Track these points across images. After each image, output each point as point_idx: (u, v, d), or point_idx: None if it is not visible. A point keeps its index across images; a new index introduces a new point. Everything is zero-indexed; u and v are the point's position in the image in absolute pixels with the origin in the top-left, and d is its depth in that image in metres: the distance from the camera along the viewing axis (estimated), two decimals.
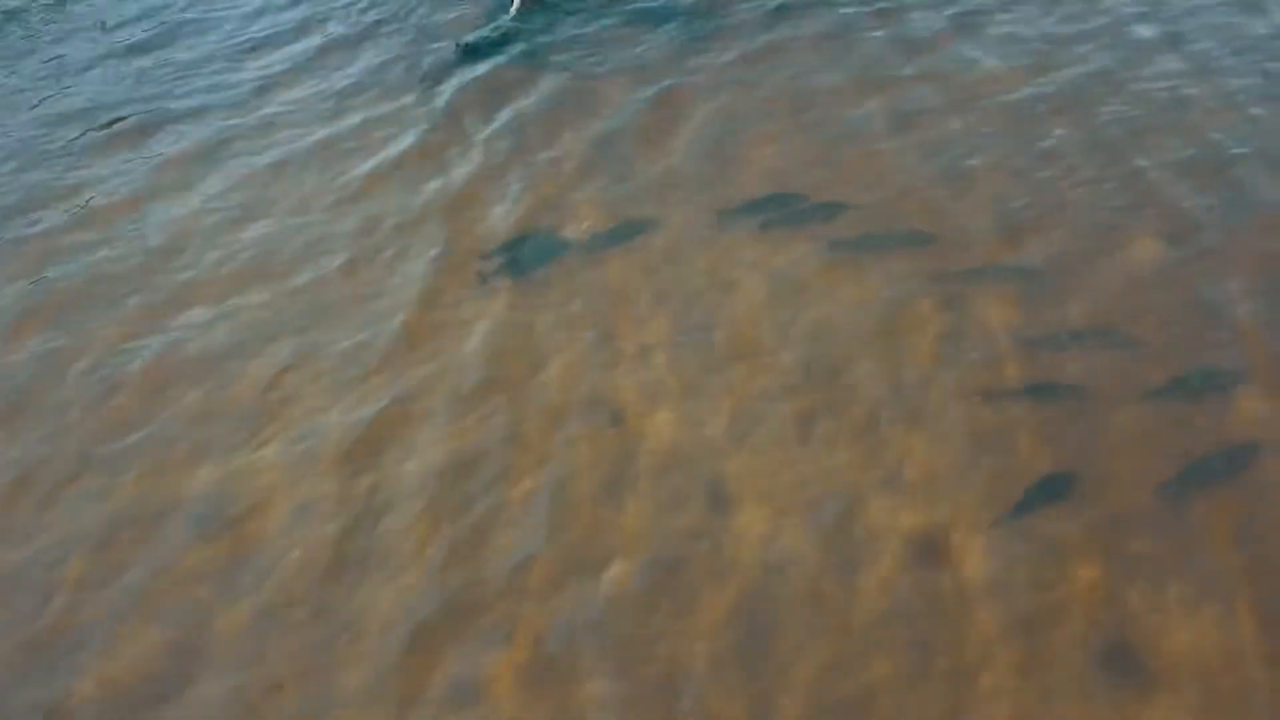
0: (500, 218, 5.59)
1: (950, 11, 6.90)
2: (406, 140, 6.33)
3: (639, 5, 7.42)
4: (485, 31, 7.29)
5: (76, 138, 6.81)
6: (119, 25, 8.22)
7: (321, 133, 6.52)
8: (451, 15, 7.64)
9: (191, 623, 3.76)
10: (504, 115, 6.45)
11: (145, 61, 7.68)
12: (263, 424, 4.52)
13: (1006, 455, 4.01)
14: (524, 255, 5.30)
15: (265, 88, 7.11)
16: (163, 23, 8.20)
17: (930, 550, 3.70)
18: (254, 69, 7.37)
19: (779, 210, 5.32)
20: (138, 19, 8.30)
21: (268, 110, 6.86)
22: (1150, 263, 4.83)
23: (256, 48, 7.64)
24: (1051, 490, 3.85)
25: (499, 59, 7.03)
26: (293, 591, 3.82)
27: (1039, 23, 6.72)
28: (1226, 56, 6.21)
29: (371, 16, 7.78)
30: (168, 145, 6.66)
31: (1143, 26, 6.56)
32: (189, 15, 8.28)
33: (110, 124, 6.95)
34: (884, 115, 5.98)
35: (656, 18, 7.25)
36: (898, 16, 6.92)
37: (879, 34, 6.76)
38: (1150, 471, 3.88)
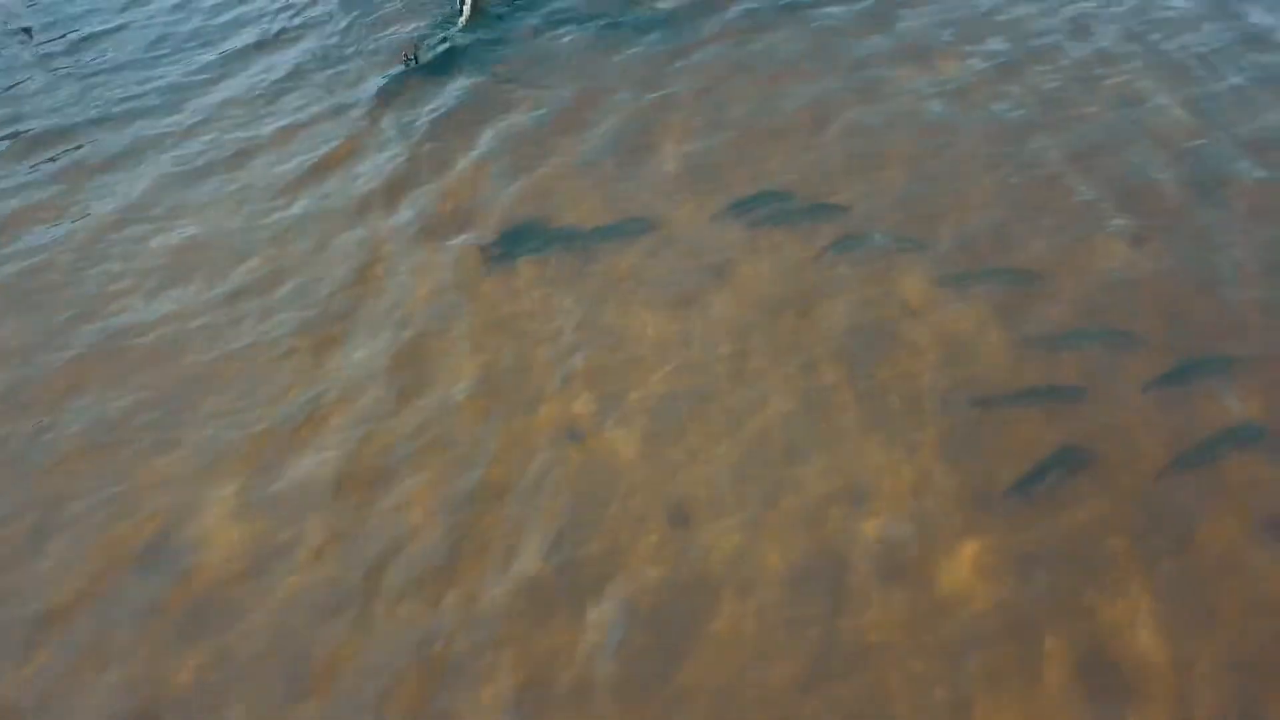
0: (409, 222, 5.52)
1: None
2: (355, 159, 6.19)
3: (586, 13, 7.39)
4: (433, 43, 7.13)
5: None
6: (44, 31, 7.94)
7: (259, 152, 6.34)
8: (400, 28, 7.47)
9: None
10: (444, 127, 6.35)
11: (72, 68, 7.44)
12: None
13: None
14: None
15: (208, 110, 6.88)
16: (93, 29, 7.95)
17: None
18: (183, 79, 7.19)
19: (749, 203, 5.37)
20: (64, 25, 8.02)
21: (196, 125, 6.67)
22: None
23: (189, 59, 7.46)
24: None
25: (446, 71, 6.90)
26: None
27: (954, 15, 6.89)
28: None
29: (318, 29, 7.62)
30: (87, 151, 6.45)
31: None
32: (119, 21, 8.04)
33: (26, 132, 6.72)
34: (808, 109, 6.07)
35: (608, 27, 7.22)
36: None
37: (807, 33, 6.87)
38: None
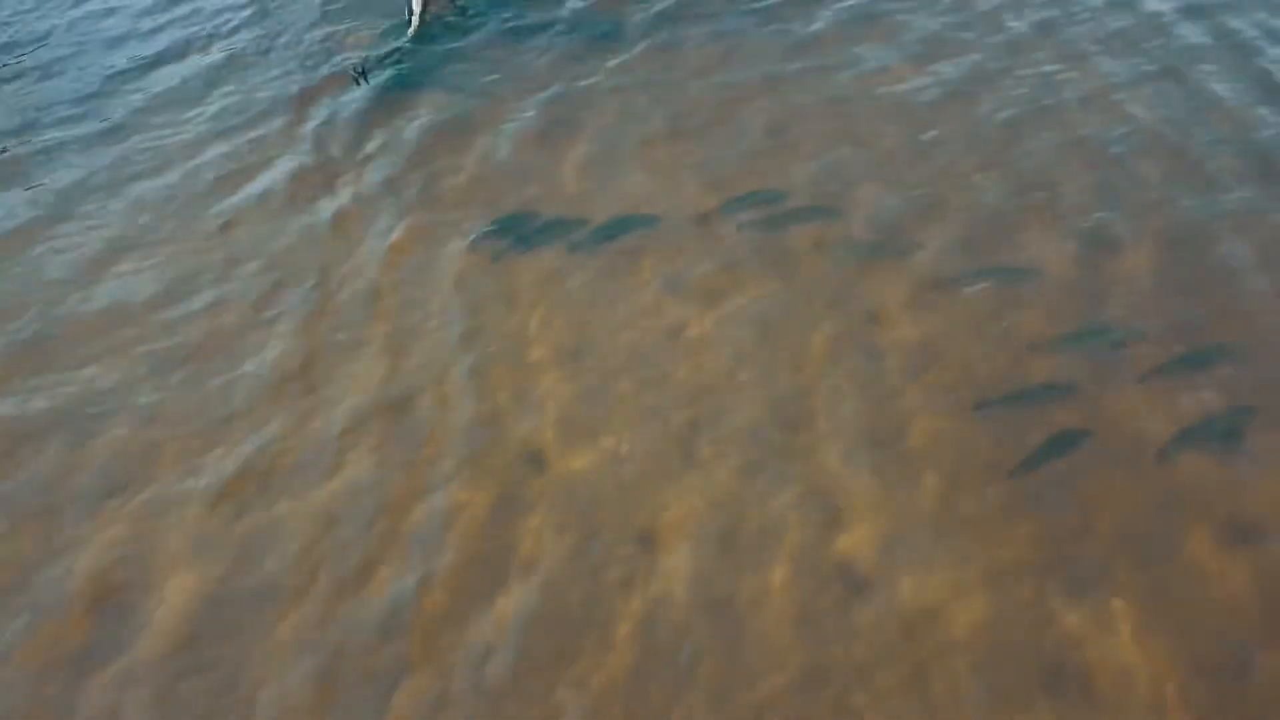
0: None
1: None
2: (302, 173, 6.01)
3: (540, 21, 7.24)
4: (382, 54, 7.04)
5: None
6: None
7: (208, 164, 6.16)
8: (349, 39, 7.37)
9: None
10: (396, 140, 6.18)
11: (17, 92, 7.24)
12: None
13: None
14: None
15: (138, 118, 6.72)
16: (38, 52, 7.75)
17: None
18: (133, 99, 6.97)
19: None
20: (8, 49, 7.86)
21: (141, 140, 6.48)
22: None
23: (138, 78, 7.24)
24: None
25: (396, 82, 6.74)
26: None
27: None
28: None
29: (264, 44, 7.43)
30: (39, 177, 6.25)
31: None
32: (68, 42, 7.82)
33: None
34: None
35: (557, 34, 7.07)
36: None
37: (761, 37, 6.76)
38: None
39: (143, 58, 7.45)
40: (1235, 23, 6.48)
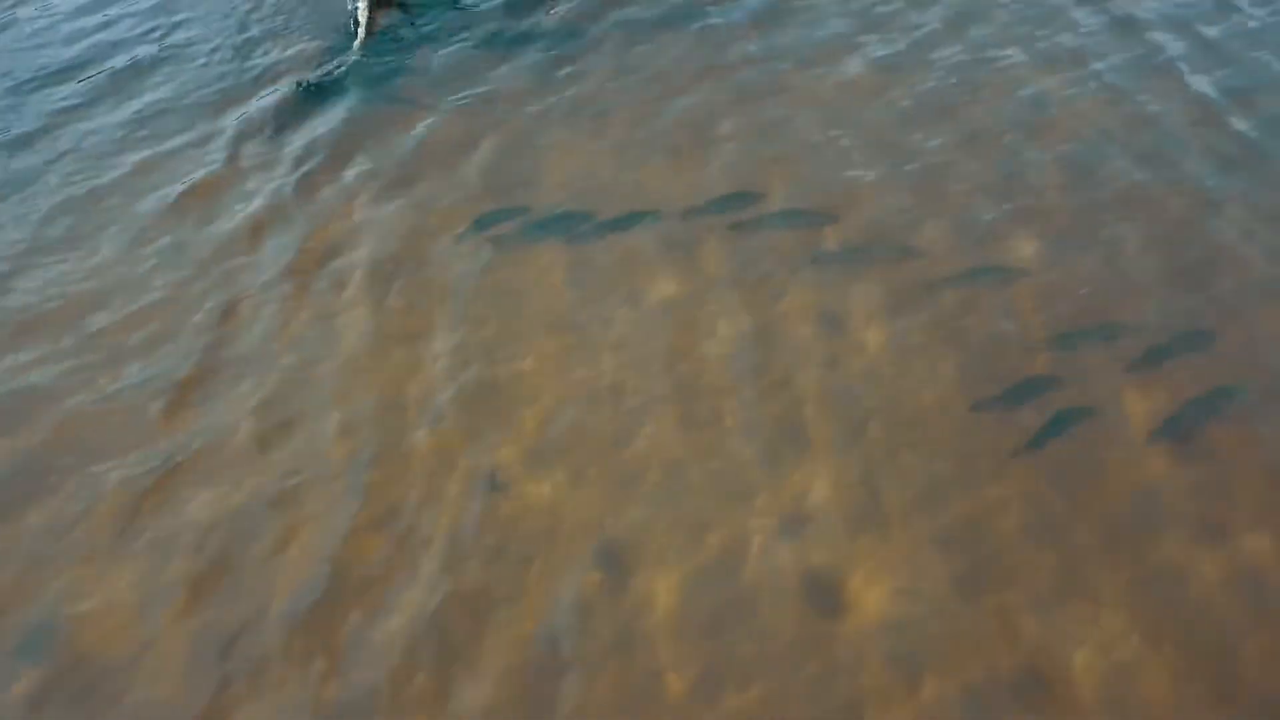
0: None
1: None
2: (225, 186, 5.74)
3: (488, 31, 7.00)
4: (329, 67, 6.67)
5: None
6: None
7: (143, 184, 5.81)
8: (295, 51, 7.00)
9: None
10: (339, 154, 5.91)
11: None
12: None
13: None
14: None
15: (63, 131, 6.33)
16: None
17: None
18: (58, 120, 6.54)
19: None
20: None
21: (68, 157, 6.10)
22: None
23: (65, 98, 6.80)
24: None
25: (343, 96, 6.41)
26: None
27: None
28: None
29: (202, 57, 7.04)
30: None
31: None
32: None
33: None
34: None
35: (504, 44, 6.83)
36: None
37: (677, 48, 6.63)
38: None
39: (71, 67, 7.04)
40: None
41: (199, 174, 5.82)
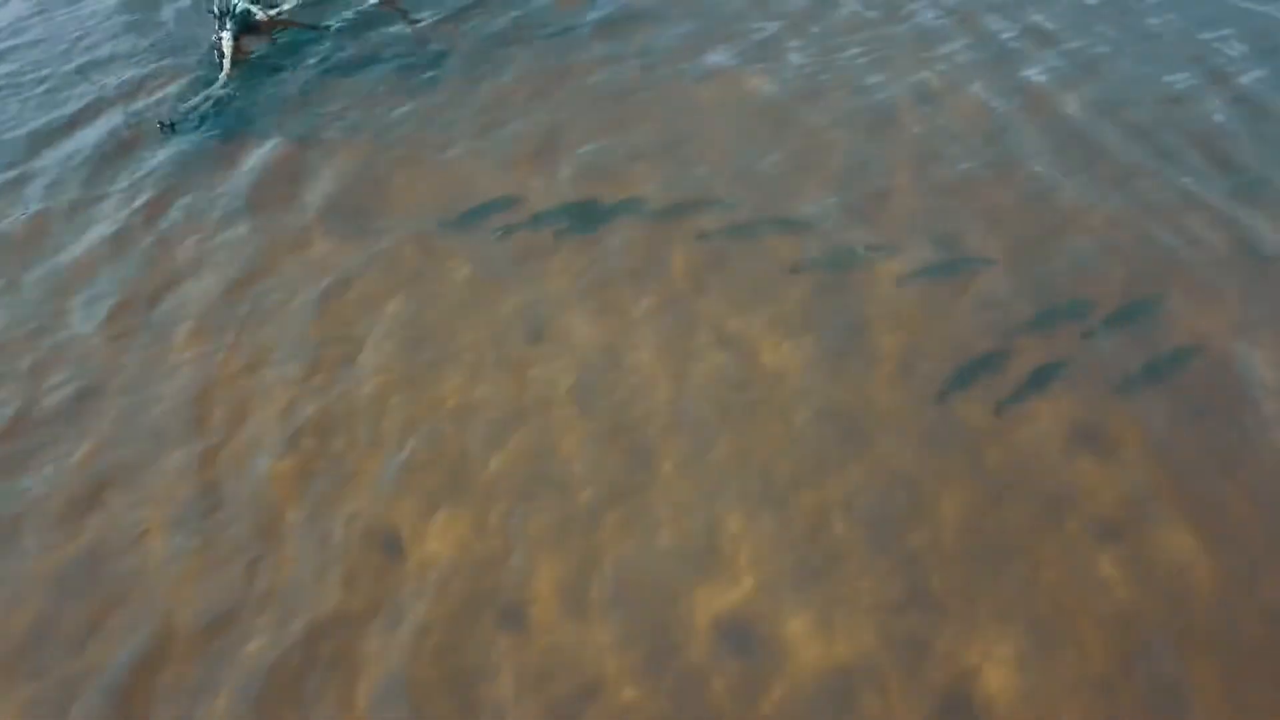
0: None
1: None
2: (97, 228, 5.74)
3: (359, 54, 7.07)
4: (195, 102, 6.65)
5: None
6: None
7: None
8: (154, 84, 6.96)
9: None
10: (204, 199, 5.89)
11: None
12: None
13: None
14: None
15: None
16: None
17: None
18: None
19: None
20: None
21: None
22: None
23: None
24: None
25: (207, 131, 6.43)
26: None
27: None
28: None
29: (49, 83, 7.01)
30: None
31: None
32: None
33: None
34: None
35: (367, 73, 6.90)
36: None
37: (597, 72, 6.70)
38: None
39: None
40: None
41: (34, 208, 5.88)
